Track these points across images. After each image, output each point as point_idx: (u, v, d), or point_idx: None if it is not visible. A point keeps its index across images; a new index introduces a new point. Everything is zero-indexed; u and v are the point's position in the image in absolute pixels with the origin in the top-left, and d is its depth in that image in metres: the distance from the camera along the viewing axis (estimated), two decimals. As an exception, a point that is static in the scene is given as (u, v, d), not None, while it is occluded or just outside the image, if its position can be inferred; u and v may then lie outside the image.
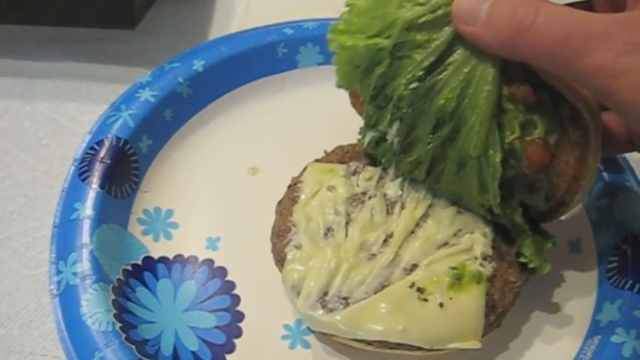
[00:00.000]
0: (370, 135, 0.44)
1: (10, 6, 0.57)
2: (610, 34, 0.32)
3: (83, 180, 0.47)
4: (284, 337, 0.44)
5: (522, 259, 0.42)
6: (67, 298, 0.42)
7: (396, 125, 0.42)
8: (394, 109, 0.41)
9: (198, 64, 0.55)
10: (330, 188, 0.44)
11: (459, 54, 0.38)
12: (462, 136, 0.39)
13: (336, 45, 0.41)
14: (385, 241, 0.41)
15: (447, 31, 0.38)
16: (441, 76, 0.39)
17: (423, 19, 0.38)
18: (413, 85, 0.39)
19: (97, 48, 0.61)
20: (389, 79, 0.40)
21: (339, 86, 0.43)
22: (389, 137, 0.43)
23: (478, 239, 0.42)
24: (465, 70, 0.38)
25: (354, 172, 0.45)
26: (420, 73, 0.39)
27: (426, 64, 0.38)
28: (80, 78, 0.59)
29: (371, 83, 0.41)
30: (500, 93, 0.38)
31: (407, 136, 0.42)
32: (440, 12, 0.37)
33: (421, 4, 0.38)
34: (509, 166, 0.40)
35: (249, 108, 0.56)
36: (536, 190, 0.41)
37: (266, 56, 0.57)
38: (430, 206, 0.43)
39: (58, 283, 0.42)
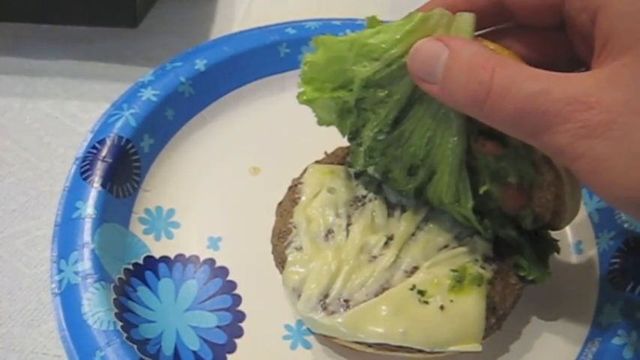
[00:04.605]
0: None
1: (11, 4, 0.57)
2: (566, 114, 0.30)
3: (85, 179, 0.47)
4: (285, 338, 0.44)
5: (520, 272, 0.41)
6: (68, 297, 0.42)
7: (371, 168, 0.43)
8: (367, 157, 0.41)
9: (200, 64, 0.55)
10: (331, 190, 0.44)
11: (421, 104, 0.37)
12: (434, 182, 0.40)
13: (304, 98, 0.41)
14: (386, 243, 0.41)
15: (406, 82, 0.36)
16: (407, 127, 0.38)
17: (379, 75, 0.37)
18: (380, 137, 0.39)
19: (98, 47, 0.61)
20: (359, 126, 0.41)
21: (320, 125, 0.44)
22: (370, 172, 0.44)
23: (479, 241, 0.42)
24: (430, 120, 0.37)
25: (355, 174, 0.45)
26: (386, 126, 0.39)
27: (390, 117, 0.38)
28: (82, 76, 0.59)
29: (345, 128, 0.42)
30: (469, 142, 0.38)
31: (384, 176, 0.43)
32: (394, 66, 0.36)
33: (375, 59, 0.37)
34: (489, 203, 0.40)
35: (251, 108, 0.56)
36: (522, 217, 0.41)
37: (268, 56, 0.57)
38: (431, 209, 0.43)
39: (60, 281, 0.42)
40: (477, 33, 0.37)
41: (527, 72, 0.32)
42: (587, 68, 0.34)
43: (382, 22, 0.37)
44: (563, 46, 0.38)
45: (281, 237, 0.43)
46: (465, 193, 0.39)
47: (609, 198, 0.32)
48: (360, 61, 0.37)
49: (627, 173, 0.29)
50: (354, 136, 0.42)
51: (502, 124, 0.33)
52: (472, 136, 0.37)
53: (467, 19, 0.35)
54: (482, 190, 0.39)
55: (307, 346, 0.44)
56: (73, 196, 0.46)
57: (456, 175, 0.38)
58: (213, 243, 0.48)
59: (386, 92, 0.38)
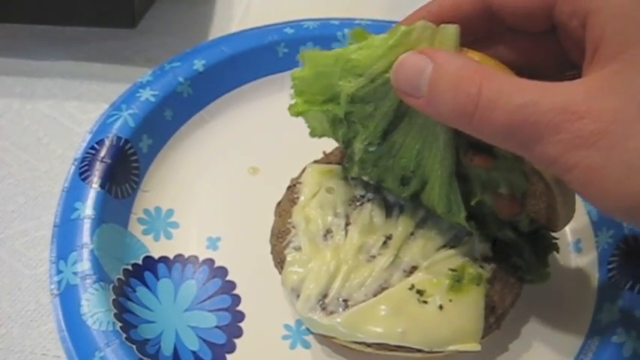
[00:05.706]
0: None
1: (10, 4, 0.57)
2: (557, 125, 0.30)
3: (84, 179, 0.47)
4: (284, 337, 0.44)
5: (519, 272, 0.42)
6: (68, 298, 0.42)
7: (365, 177, 0.43)
8: (359, 168, 0.41)
9: (198, 64, 0.55)
10: (329, 190, 0.44)
11: (410, 118, 0.37)
12: (427, 191, 0.40)
13: (295, 110, 0.40)
14: (384, 243, 0.41)
15: (392, 97, 0.36)
16: (397, 139, 0.38)
17: (363, 91, 0.37)
18: (371, 149, 0.39)
19: (97, 47, 0.61)
20: (350, 137, 0.41)
21: (312, 136, 0.44)
22: (365, 178, 0.44)
23: (478, 241, 0.42)
24: (418, 134, 0.37)
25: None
26: (375, 139, 0.39)
27: (379, 130, 0.38)
28: (80, 77, 0.59)
29: (338, 137, 0.42)
30: (458, 155, 0.37)
31: (379, 184, 0.43)
32: (378, 82, 0.36)
33: (359, 75, 0.36)
34: (483, 209, 0.40)
35: (250, 108, 0.56)
36: (518, 221, 0.41)
37: (267, 56, 0.57)
38: (429, 209, 0.43)
39: (59, 282, 0.43)
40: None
41: (516, 83, 0.32)
42: (579, 73, 0.34)
43: (368, 33, 0.37)
44: (554, 51, 0.38)
45: (280, 237, 0.43)
46: (457, 204, 0.39)
47: (604, 207, 0.31)
48: (346, 77, 0.37)
49: (622, 182, 0.29)
50: (347, 145, 0.42)
51: (492, 137, 0.32)
52: (461, 148, 0.37)
53: (451, 31, 0.34)
54: (474, 201, 0.39)
55: (306, 345, 0.44)
56: (71, 196, 0.47)
57: (447, 187, 0.38)
58: (212, 243, 0.48)
59: (373, 107, 0.37)
